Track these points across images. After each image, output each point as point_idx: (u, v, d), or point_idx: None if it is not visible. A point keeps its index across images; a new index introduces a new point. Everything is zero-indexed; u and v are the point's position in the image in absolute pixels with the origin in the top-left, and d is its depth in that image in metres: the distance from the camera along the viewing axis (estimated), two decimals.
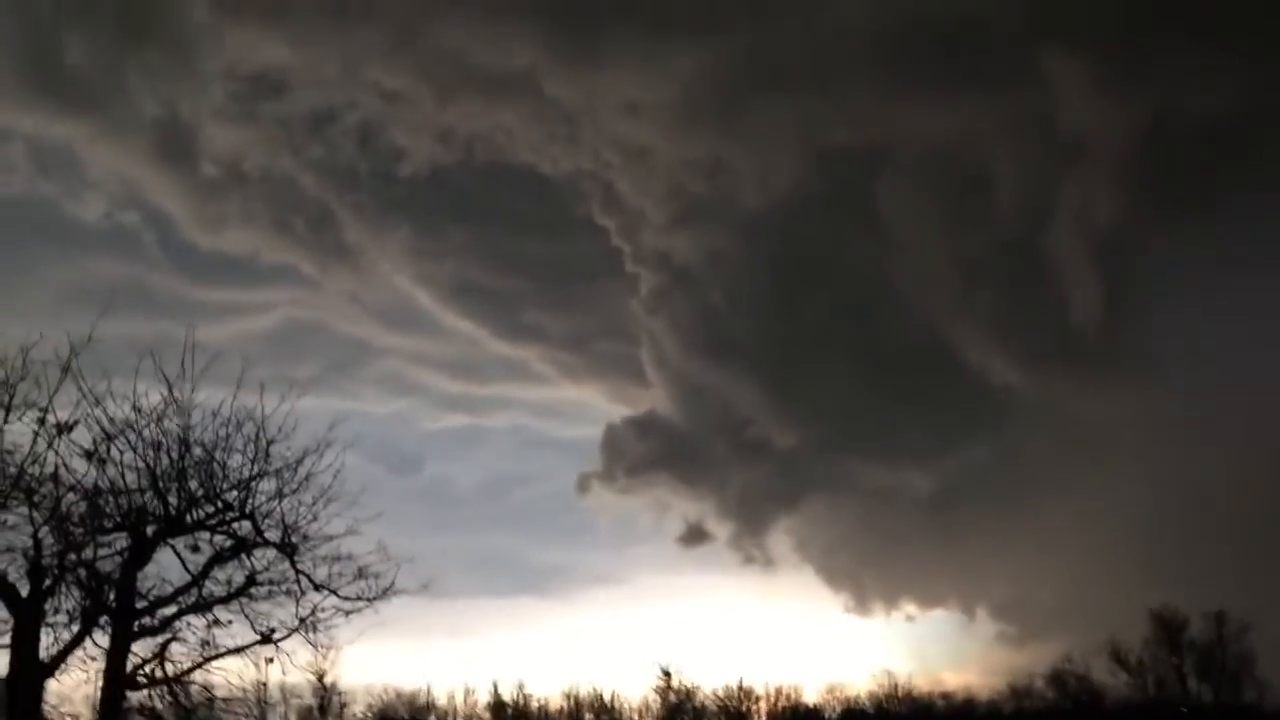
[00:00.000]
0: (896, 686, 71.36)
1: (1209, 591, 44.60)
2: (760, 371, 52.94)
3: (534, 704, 73.60)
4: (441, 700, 73.42)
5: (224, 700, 16.14)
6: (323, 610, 16.54)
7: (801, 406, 52.47)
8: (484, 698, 73.16)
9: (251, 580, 16.13)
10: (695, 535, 55.67)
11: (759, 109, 51.50)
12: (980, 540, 53.79)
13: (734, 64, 50.87)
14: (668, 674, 72.38)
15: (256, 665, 16.46)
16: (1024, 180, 48.63)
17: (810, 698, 73.50)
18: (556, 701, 73.90)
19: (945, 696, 70.50)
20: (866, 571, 53.47)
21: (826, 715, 73.70)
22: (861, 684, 72.95)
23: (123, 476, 15.22)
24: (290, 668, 16.74)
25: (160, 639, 15.65)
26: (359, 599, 16.65)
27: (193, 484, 15.46)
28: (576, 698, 73.84)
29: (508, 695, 73.01)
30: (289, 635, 16.39)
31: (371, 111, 51.44)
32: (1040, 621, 50.86)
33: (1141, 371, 47.17)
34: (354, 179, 53.41)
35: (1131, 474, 50.54)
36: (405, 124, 52.53)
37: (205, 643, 15.97)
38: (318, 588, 16.45)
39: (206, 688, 15.93)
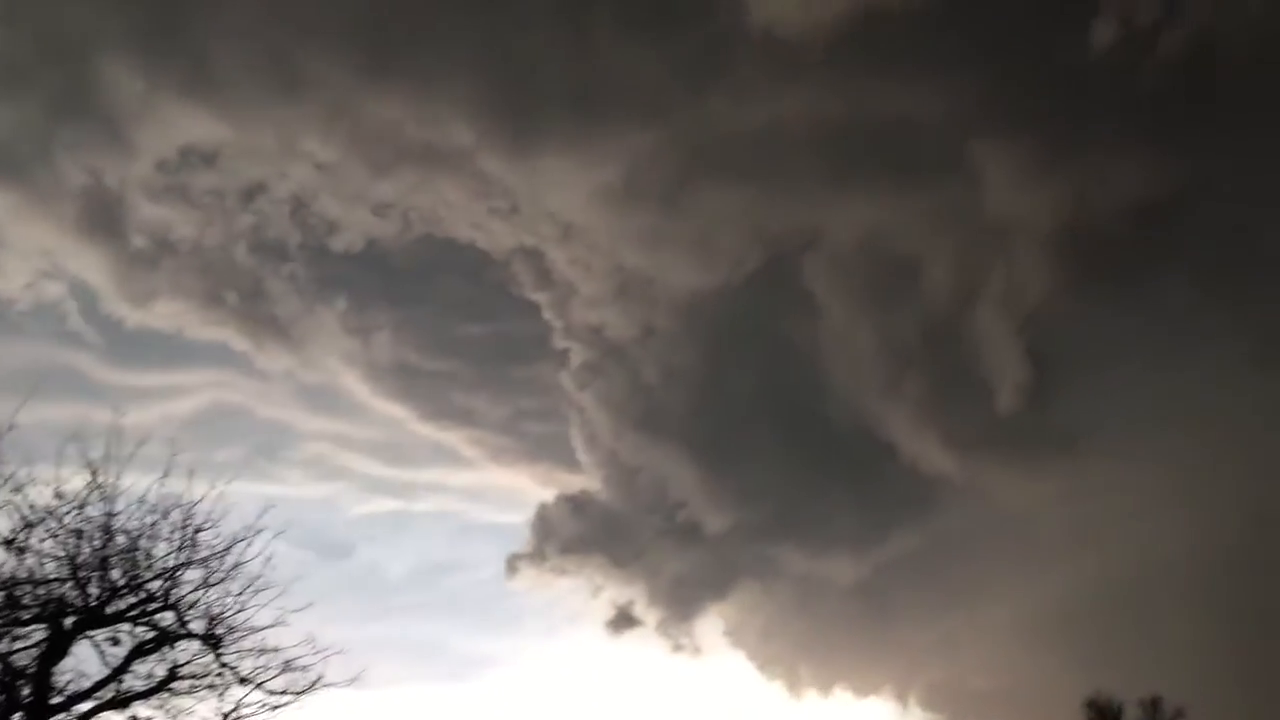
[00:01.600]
0: None
1: (1142, 677, 44.81)
2: (693, 452, 52.78)
3: None
4: None
5: None
6: (247, 705, 16.03)
7: (734, 490, 52.29)
8: None
9: (174, 674, 15.49)
10: (624, 620, 54.60)
11: (697, 191, 52.30)
12: (913, 628, 53.70)
13: (674, 147, 51.74)
14: None
15: None
16: (951, 265, 49.83)
17: None
18: None
19: None
20: (800, 659, 52.88)
21: None
22: None
23: (42, 565, 14.83)
24: None
25: None
26: (285, 693, 16.17)
27: (115, 573, 14.93)
28: None
29: None
30: None
31: (305, 184, 51.39)
32: (974, 709, 50.65)
33: (1067, 455, 47.95)
34: (285, 252, 53.32)
35: (1060, 559, 51.03)
36: (339, 196, 52.45)
37: None
38: (243, 681, 15.94)
39: None
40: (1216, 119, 45.57)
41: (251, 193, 53.25)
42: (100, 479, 14.91)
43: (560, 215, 52.92)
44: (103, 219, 51.17)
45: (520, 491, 66.35)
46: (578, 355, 54.54)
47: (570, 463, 56.20)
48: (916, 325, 50.74)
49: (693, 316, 52.61)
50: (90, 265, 53.51)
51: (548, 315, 54.73)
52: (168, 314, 53.95)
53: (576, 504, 55.17)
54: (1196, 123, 45.52)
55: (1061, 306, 48.39)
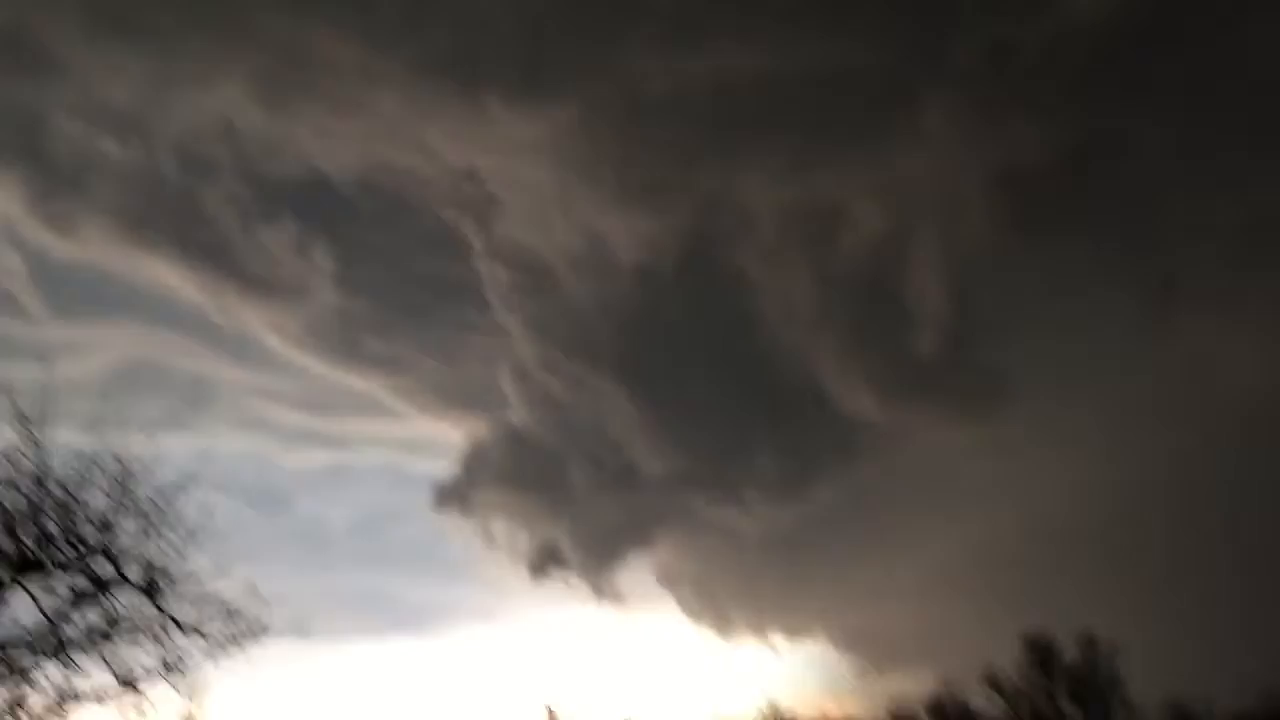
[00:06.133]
0: (780, 718, 71.62)
1: (1076, 616, 46.20)
2: (628, 390, 52.54)
3: None
4: None
5: None
6: (189, 654, 16.08)
7: (665, 432, 52.41)
8: None
9: (113, 623, 15.51)
10: (548, 562, 54.08)
11: (635, 142, 52.25)
12: (845, 570, 54.62)
13: (613, 100, 51.53)
14: (553, 714, 71.13)
15: (120, 713, 15.86)
16: (880, 213, 50.55)
17: None
18: None
19: None
20: (732, 604, 53.46)
21: None
22: (747, 716, 72.94)
23: None
24: (156, 715, 16.15)
25: (15, 689, 15.00)
26: (227, 641, 16.26)
27: (49, 524, 14.91)
28: None
29: None
30: (153, 681, 15.88)
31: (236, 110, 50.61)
32: (912, 650, 51.78)
33: (991, 401, 49.10)
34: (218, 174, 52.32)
35: (985, 504, 52.23)
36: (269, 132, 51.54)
37: (64, 691, 15.39)
38: (183, 630, 15.95)
39: None
40: (1130, 82, 46.54)
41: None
42: (31, 430, 14.75)
43: (490, 165, 52.62)
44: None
45: (459, 444, 65.29)
46: (506, 276, 53.30)
47: (506, 409, 55.53)
48: (847, 271, 51.41)
49: (626, 262, 52.38)
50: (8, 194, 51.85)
51: (475, 241, 53.62)
52: (94, 241, 52.69)
53: (507, 441, 54.39)
54: (1109, 86, 46.53)
55: (988, 256, 49.40)
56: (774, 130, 51.18)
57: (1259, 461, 46.58)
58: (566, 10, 49.84)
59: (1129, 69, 45.84)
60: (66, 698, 15.30)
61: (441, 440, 66.16)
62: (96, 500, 15.14)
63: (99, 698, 15.52)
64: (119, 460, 15.27)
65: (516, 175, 53.00)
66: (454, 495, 54.63)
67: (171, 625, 15.77)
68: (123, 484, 15.30)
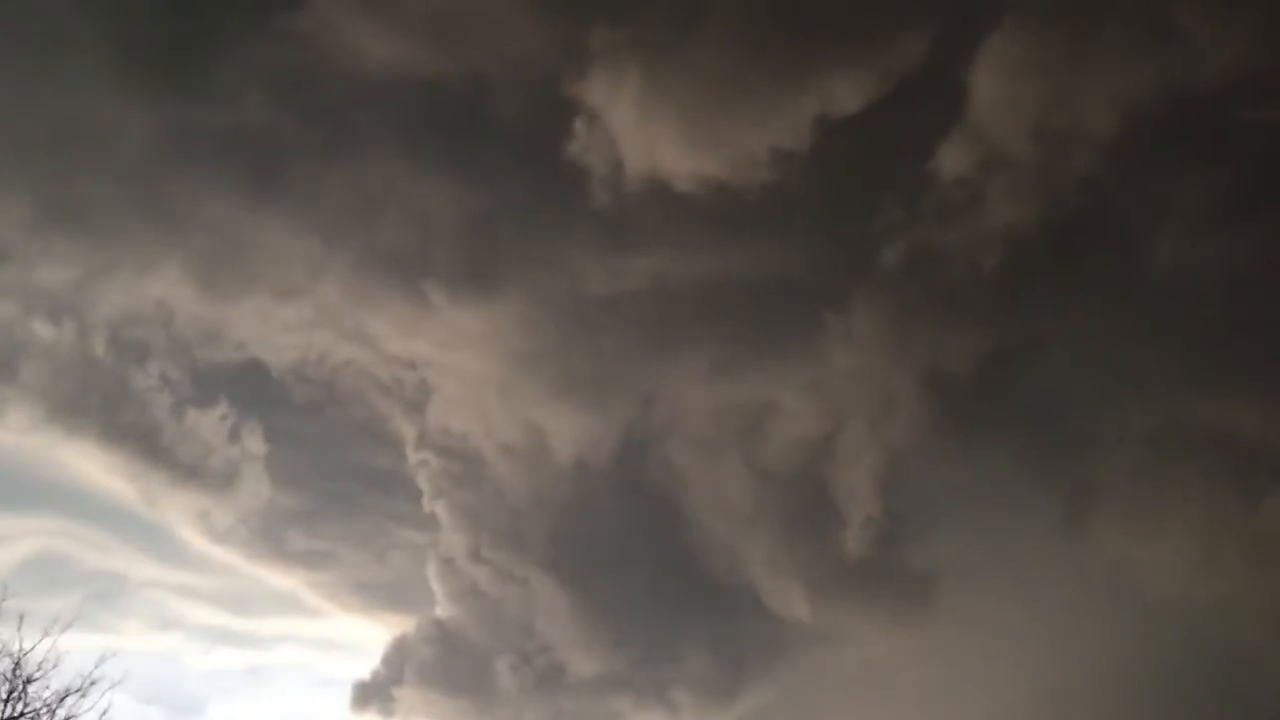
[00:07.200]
0: None
1: None
2: (554, 584, 51.79)
3: None
4: None
5: None
6: None
7: (595, 630, 51.55)
8: None
9: None
10: None
11: (574, 344, 53.50)
12: None
13: (552, 299, 53.06)
14: None
15: None
16: (812, 410, 51.73)
17: None
18: None
19: None
20: None
21: None
22: None
23: None
24: None
25: None
26: None
27: None
28: None
29: None
30: None
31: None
32: None
33: (922, 604, 49.28)
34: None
35: (918, 706, 51.78)
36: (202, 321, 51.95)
37: None
38: None
39: None
40: (1053, 286, 48.81)
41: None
42: None
43: (429, 355, 53.36)
44: None
45: (382, 642, 63.62)
46: (437, 464, 52.92)
47: (432, 605, 54.38)
48: (778, 467, 52.11)
49: (561, 454, 52.63)
50: None
51: (409, 430, 53.52)
52: (17, 429, 51.82)
53: (431, 637, 52.95)
54: (1033, 290, 48.72)
55: (915, 456, 50.48)
56: (710, 329, 52.92)
57: (1182, 663, 47.08)
58: (512, 211, 52.02)
59: (1047, 279, 48.19)
60: None
61: (364, 639, 64.42)
62: None
63: None
64: (15, 660, 14.95)
65: (455, 365, 53.82)
66: (374, 694, 52.85)
67: None
68: (18, 686, 14.92)
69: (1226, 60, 42.44)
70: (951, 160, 45.98)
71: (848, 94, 45.81)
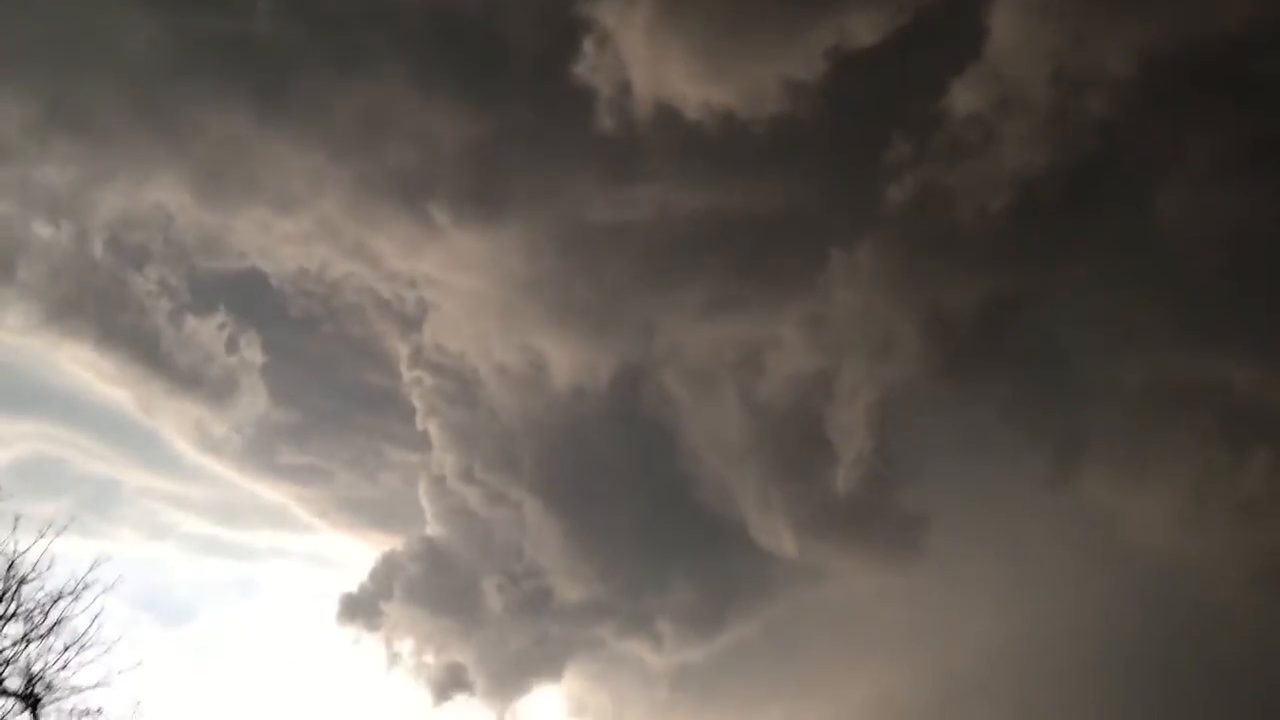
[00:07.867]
0: None
1: None
2: (544, 509, 51.93)
3: None
4: None
5: None
6: None
7: (583, 557, 51.87)
8: None
9: None
10: (452, 686, 52.43)
11: (574, 273, 53.18)
12: (752, 710, 54.08)
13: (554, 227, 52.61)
14: None
15: None
16: (811, 347, 51.61)
17: None
18: None
19: None
20: None
21: None
22: None
23: None
24: None
25: None
26: None
27: None
28: None
29: None
30: None
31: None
32: None
33: (909, 546, 49.63)
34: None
35: (899, 651, 52.40)
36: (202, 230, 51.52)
37: None
38: None
39: None
40: (1058, 233, 48.43)
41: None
42: None
43: (430, 274, 53.00)
44: None
45: (371, 559, 64.06)
46: (431, 382, 52.72)
47: (421, 527, 54.51)
48: (774, 402, 52.08)
49: (557, 380, 52.50)
50: None
51: (405, 348, 53.27)
52: (14, 329, 51.56)
53: (420, 555, 53.18)
54: (1037, 236, 48.33)
55: (910, 398, 50.45)
56: (712, 261, 52.52)
57: (1163, 617, 47.69)
58: (519, 134, 51.27)
59: (1052, 225, 47.80)
60: None
61: (353, 557, 64.77)
62: None
63: None
64: (9, 560, 14.90)
65: (455, 286, 53.41)
66: (361, 608, 53.20)
67: None
68: (11, 585, 14.90)
69: (1247, 10, 41.84)
70: (965, 99, 45.30)
71: (864, 26, 45.01)
